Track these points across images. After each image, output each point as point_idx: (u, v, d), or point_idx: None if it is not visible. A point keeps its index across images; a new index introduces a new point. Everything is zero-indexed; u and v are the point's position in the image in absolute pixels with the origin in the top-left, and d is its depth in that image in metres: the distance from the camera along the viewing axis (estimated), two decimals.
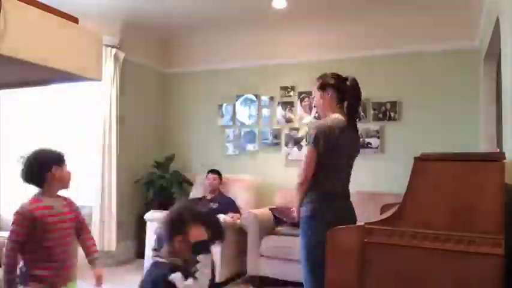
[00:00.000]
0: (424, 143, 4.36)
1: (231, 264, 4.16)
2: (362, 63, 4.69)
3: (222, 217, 3.79)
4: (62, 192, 2.13)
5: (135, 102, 5.16)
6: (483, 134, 3.93)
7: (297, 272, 3.01)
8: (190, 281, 1.65)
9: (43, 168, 1.97)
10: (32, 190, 2.08)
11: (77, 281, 2.35)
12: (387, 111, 4.54)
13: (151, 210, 4.58)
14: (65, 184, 2.07)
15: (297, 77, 4.99)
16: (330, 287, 1.77)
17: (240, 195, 4.71)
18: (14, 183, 4.05)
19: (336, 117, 2.46)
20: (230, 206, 4.40)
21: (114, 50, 4.69)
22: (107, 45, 4.65)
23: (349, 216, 2.41)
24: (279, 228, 4.17)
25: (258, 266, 4.06)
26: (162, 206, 4.82)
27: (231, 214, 4.20)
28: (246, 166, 5.14)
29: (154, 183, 5.00)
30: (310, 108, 4.90)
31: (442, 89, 4.37)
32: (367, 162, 4.59)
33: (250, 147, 5.17)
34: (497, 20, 2.81)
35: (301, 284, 2.50)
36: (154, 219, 4.44)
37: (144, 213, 4.91)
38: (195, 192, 4.96)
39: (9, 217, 2.14)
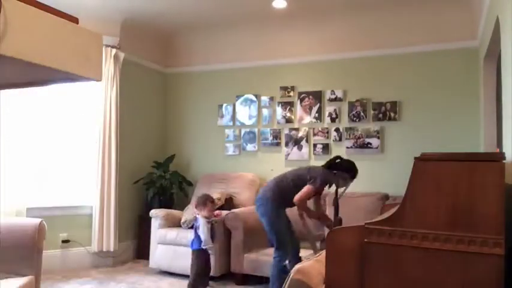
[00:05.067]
0: (424, 143, 4.36)
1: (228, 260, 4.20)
2: (362, 63, 4.69)
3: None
4: None
5: (135, 102, 5.16)
6: (483, 134, 3.93)
7: None
8: None
9: None
10: None
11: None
12: (387, 111, 4.54)
13: (154, 209, 4.60)
14: None
15: (297, 77, 4.99)
16: (330, 287, 1.77)
17: (241, 191, 4.73)
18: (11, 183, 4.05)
19: None
20: None
21: (114, 50, 4.69)
22: (107, 45, 4.65)
23: None
24: None
25: (241, 264, 4.08)
26: (161, 206, 4.84)
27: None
28: (246, 166, 5.14)
29: (155, 183, 5.00)
30: (310, 109, 4.90)
31: (442, 89, 4.37)
32: (367, 162, 4.59)
33: (250, 147, 5.17)
34: (497, 20, 2.81)
35: None
36: (158, 216, 4.48)
37: (144, 213, 4.92)
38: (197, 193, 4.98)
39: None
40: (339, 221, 3.29)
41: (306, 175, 3.38)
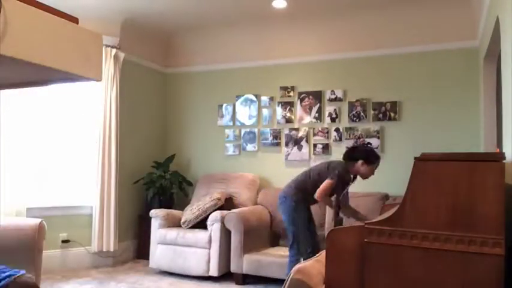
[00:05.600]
0: (424, 143, 4.36)
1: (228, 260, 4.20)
2: (362, 63, 4.69)
3: None
4: None
5: (135, 103, 5.16)
6: (483, 134, 3.93)
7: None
8: None
9: None
10: None
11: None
12: (387, 111, 4.54)
13: (154, 209, 4.60)
14: None
15: (297, 77, 4.99)
16: (330, 287, 1.77)
17: (241, 191, 4.74)
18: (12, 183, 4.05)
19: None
20: None
21: (114, 50, 4.69)
22: (107, 45, 4.65)
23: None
24: None
25: (241, 264, 4.08)
26: (161, 206, 4.84)
27: None
28: (246, 166, 5.14)
29: (155, 183, 5.00)
30: (310, 109, 4.90)
31: (442, 89, 4.37)
32: None
33: (250, 147, 5.17)
34: (497, 20, 2.81)
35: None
36: (158, 216, 4.48)
37: (144, 213, 4.92)
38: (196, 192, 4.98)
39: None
40: (339, 222, 3.29)
41: (325, 170, 3.38)
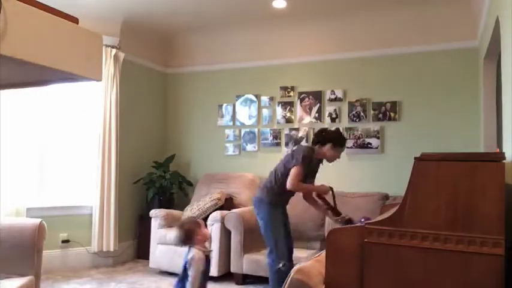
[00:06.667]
0: (424, 143, 4.36)
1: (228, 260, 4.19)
2: (362, 63, 4.69)
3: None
4: None
5: (135, 103, 5.16)
6: (483, 134, 3.93)
7: None
8: None
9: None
10: None
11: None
12: (387, 111, 4.54)
13: (154, 209, 4.60)
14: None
15: (297, 77, 4.99)
16: (330, 287, 1.77)
17: (241, 191, 4.74)
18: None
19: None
20: None
21: (114, 50, 4.69)
22: (107, 45, 4.65)
23: None
24: None
25: (241, 264, 4.08)
26: (161, 206, 4.84)
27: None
28: (246, 166, 5.14)
29: (154, 183, 5.00)
30: (310, 109, 4.90)
31: (442, 89, 4.37)
32: (367, 162, 4.60)
33: (250, 147, 5.17)
34: (497, 20, 2.81)
35: None
36: (158, 216, 4.48)
37: (144, 213, 4.92)
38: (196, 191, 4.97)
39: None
40: (347, 221, 3.21)
41: (290, 158, 3.24)
